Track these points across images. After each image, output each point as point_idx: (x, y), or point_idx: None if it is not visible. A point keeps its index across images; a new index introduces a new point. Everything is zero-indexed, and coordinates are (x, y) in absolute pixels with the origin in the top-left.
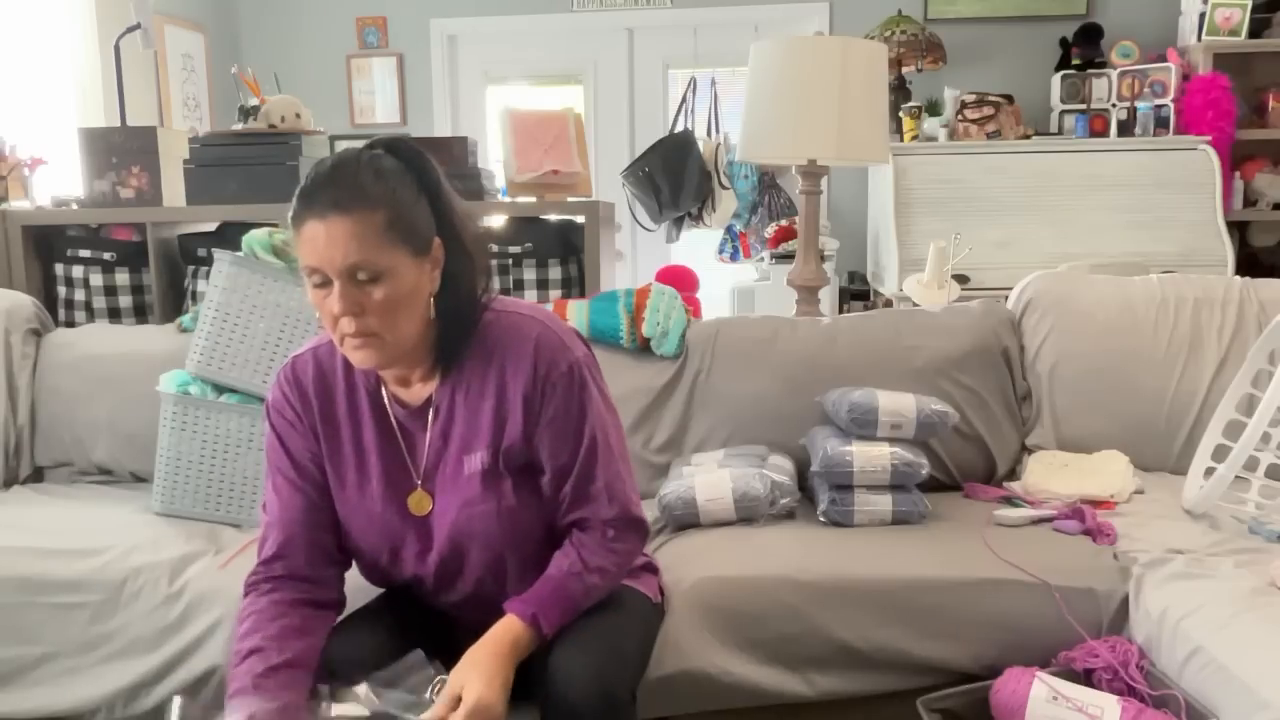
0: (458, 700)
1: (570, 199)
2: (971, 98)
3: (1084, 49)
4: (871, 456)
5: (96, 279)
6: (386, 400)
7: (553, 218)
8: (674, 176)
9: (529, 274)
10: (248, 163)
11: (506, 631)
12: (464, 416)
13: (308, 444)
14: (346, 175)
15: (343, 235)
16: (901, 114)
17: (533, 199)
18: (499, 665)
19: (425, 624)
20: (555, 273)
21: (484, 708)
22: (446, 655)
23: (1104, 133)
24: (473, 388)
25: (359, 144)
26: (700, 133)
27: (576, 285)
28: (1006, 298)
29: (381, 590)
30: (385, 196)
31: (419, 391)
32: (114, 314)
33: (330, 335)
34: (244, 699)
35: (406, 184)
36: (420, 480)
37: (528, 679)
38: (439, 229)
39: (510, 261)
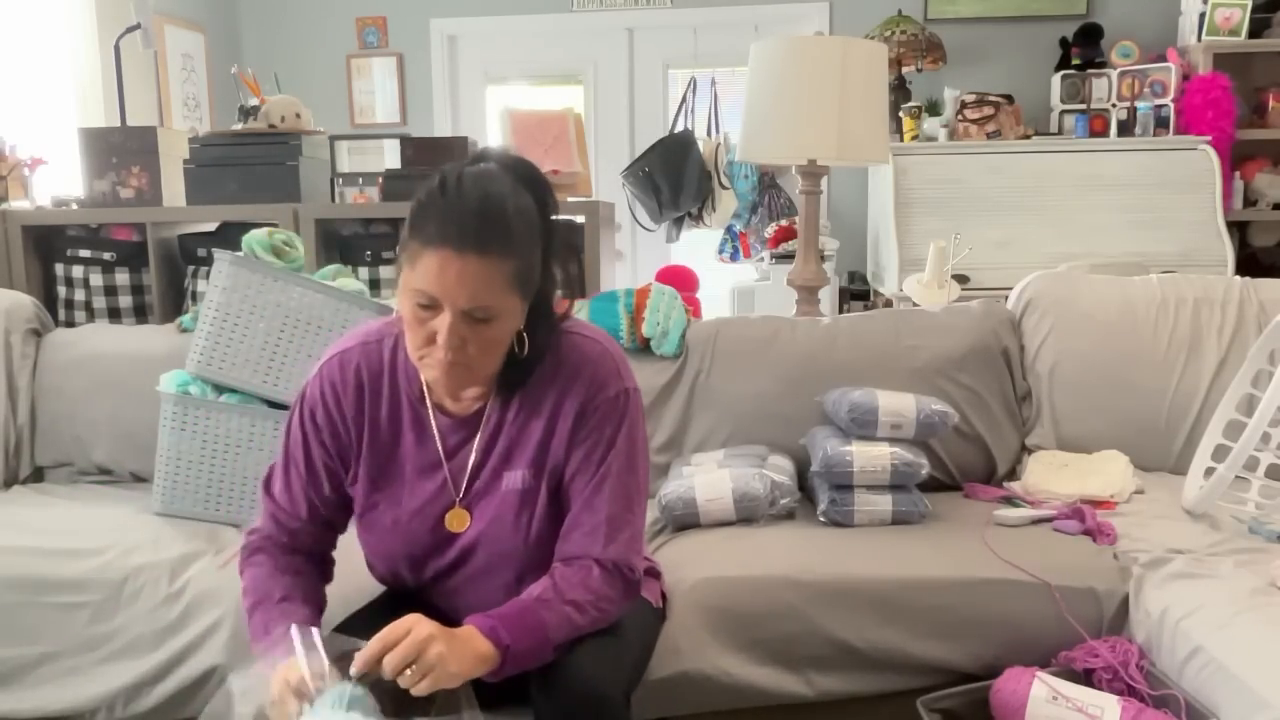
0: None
1: (570, 199)
2: (971, 98)
3: (1084, 49)
4: (871, 456)
5: (96, 279)
6: (430, 410)
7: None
8: (674, 176)
9: None
10: (248, 163)
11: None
12: (510, 432)
13: (336, 447)
14: (496, 216)
15: (474, 277)
16: (901, 114)
17: None
18: (461, 645)
19: None
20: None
21: (438, 655)
22: None
23: (1104, 133)
24: (525, 404)
25: (481, 163)
26: (700, 133)
27: (577, 285)
28: (1006, 298)
29: (377, 594)
30: (521, 245)
31: (468, 404)
32: (114, 314)
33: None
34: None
35: (537, 226)
36: (459, 496)
37: (521, 681)
38: (543, 265)
39: None
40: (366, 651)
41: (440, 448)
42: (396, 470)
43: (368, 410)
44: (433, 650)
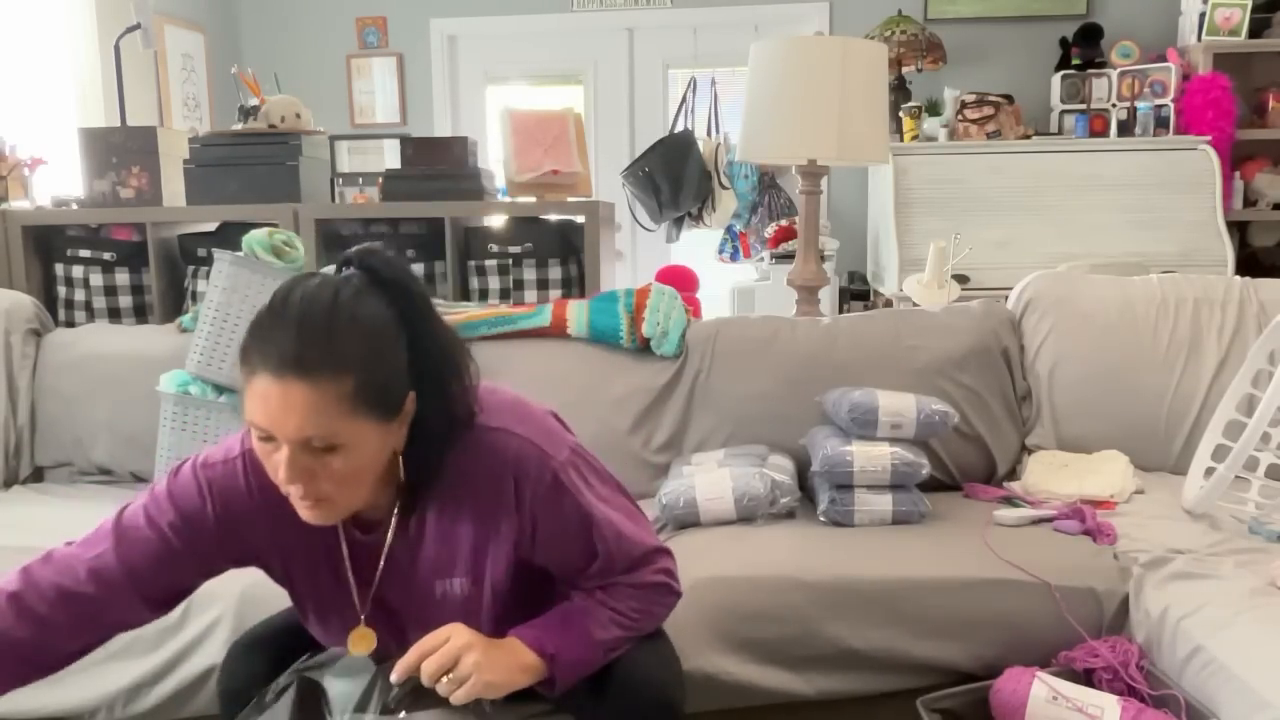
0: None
1: (570, 199)
2: (971, 98)
3: (1084, 49)
4: (872, 456)
5: (96, 279)
6: (339, 524)
7: (553, 218)
8: (674, 176)
9: (529, 274)
10: (248, 163)
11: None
12: (436, 538)
13: (231, 541)
14: (316, 332)
15: (300, 404)
16: (901, 114)
17: (533, 199)
18: (503, 655)
19: None
20: (555, 273)
21: (479, 665)
22: None
23: (1104, 133)
24: (445, 511)
25: (329, 270)
26: (700, 133)
27: (576, 285)
28: (1006, 298)
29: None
30: (358, 358)
31: (377, 513)
32: (114, 314)
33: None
34: None
35: (387, 332)
36: (366, 611)
37: (573, 690)
38: (416, 376)
39: (510, 261)
40: (406, 658)
41: (348, 562)
42: (313, 586)
43: (273, 520)
44: (469, 659)
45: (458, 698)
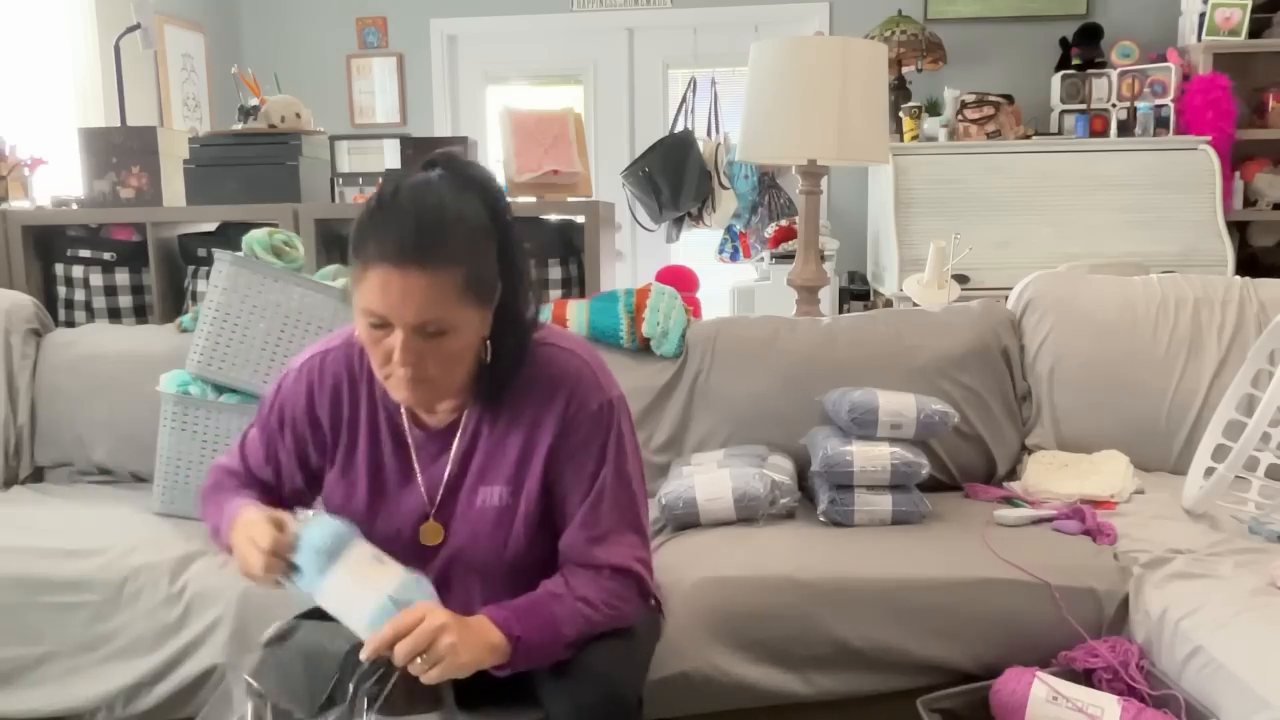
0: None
1: (570, 199)
2: (971, 98)
3: (1084, 49)
4: (871, 456)
5: (96, 279)
6: (405, 421)
7: (553, 218)
8: (674, 176)
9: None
10: (248, 163)
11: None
12: (487, 447)
13: (298, 448)
14: (433, 226)
15: (420, 292)
16: (901, 114)
17: (533, 199)
18: (474, 635)
19: None
20: (555, 273)
21: (451, 646)
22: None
23: (1104, 133)
24: (501, 418)
25: (426, 172)
26: (700, 133)
27: (576, 285)
28: (1006, 298)
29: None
30: (467, 252)
31: (443, 416)
32: (114, 314)
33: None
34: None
35: (484, 230)
36: (434, 510)
37: (530, 684)
38: (500, 268)
39: None
40: (379, 637)
41: (415, 459)
42: (372, 479)
43: (346, 415)
44: (444, 640)
45: (430, 677)
